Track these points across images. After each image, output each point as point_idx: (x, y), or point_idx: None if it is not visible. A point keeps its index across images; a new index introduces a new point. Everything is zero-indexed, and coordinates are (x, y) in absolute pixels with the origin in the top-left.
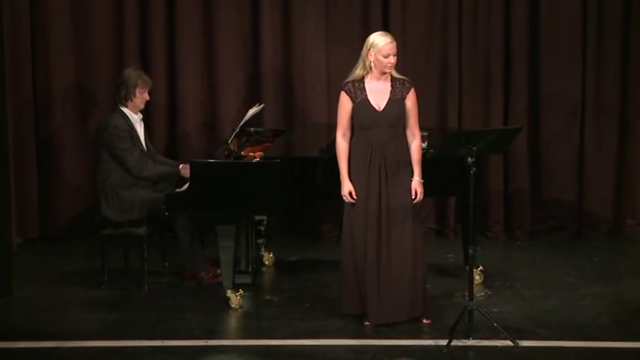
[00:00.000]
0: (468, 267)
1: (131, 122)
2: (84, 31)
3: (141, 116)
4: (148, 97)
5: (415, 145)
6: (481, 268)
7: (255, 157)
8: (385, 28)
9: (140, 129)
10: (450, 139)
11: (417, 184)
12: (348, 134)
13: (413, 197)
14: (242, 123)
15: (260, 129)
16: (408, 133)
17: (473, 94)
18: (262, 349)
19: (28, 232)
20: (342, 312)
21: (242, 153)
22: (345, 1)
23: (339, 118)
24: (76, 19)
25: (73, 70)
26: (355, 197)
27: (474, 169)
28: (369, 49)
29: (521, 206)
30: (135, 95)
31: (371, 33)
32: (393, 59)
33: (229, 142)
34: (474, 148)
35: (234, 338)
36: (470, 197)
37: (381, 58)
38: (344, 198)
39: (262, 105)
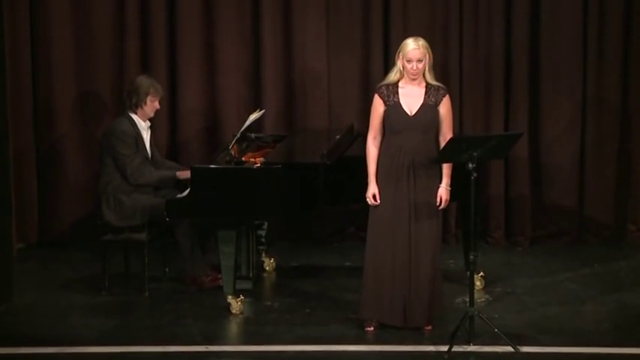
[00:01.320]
0: (468, 272)
1: (138, 129)
2: (85, 36)
3: (149, 124)
4: (158, 106)
5: None
6: (482, 273)
7: (255, 163)
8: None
9: (147, 137)
10: (451, 145)
11: (443, 191)
12: (379, 137)
13: (438, 204)
14: (243, 129)
15: (261, 135)
16: (441, 139)
17: (474, 98)
18: (263, 355)
19: (28, 238)
20: (360, 317)
21: (243, 159)
22: (346, 5)
23: (371, 121)
24: (77, 25)
25: (74, 75)
26: (378, 201)
27: (475, 175)
28: (399, 53)
29: (521, 212)
30: (145, 103)
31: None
32: (416, 65)
33: (230, 147)
34: (475, 154)
35: (235, 344)
36: (470, 203)
37: (406, 64)
38: (367, 200)
39: (263, 110)
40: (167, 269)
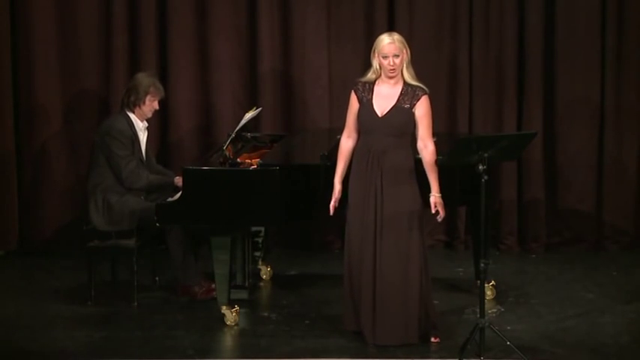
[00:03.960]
0: (479, 282)
1: (135, 129)
2: (69, 31)
3: (146, 124)
4: (157, 107)
5: (427, 157)
6: (493, 282)
7: (252, 164)
8: (391, 25)
9: (143, 138)
10: (460, 145)
11: (435, 200)
12: (353, 136)
13: (434, 213)
14: (238, 128)
15: (257, 134)
16: (420, 144)
17: (484, 96)
18: None
19: (8, 245)
20: (344, 328)
21: (238, 160)
22: None
23: (346, 119)
24: (60, 18)
25: (57, 74)
26: (336, 205)
27: (486, 177)
28: (374, 51)
29: (536, 217)
30: (144, 103)
31: (376, 31)
32: (393, 61)
33: (225, 148)
34: (486, 155)
35: (229, 358)
36: (481, 207)
37: (382, 60)
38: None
39: (260, 108)
40: (157, 278)
